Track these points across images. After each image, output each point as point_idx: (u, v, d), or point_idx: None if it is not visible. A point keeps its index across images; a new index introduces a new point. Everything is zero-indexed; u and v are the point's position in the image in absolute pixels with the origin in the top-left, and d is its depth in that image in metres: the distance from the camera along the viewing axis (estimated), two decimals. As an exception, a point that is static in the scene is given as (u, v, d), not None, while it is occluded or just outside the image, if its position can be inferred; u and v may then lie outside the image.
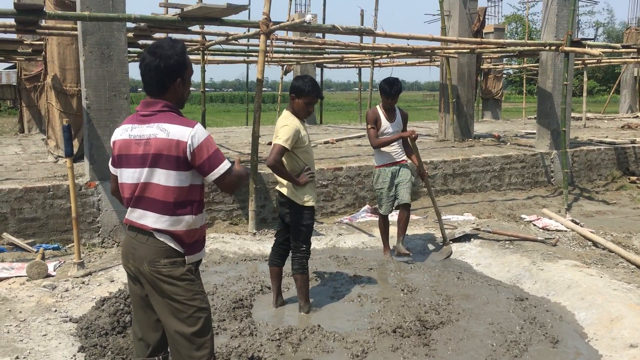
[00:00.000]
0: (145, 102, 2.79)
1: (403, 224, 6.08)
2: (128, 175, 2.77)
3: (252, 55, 13.63)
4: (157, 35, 8.99)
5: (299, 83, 4.54)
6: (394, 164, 6.04)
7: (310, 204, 4.58)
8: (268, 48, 7.07)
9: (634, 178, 10.54)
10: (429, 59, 14.34)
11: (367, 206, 8.14)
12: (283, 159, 4.49)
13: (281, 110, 4.81)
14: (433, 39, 9.14)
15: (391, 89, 5.88)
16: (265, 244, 6.48)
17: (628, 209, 8.70)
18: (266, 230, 7.14)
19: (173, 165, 2.68)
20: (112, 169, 2.90)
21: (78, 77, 7.74)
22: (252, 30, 8.07)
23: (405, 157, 6.15)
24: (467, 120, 11.89)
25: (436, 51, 11.10)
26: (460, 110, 11.73)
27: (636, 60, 16.11)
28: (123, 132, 2.79)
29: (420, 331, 4.32)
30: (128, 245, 2.84)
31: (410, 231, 7.08)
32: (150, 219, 2.74)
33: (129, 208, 2.80)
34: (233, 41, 9.80)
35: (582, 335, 4.35)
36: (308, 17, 7.00)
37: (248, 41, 11.71)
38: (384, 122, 6.00)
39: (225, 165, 2.75)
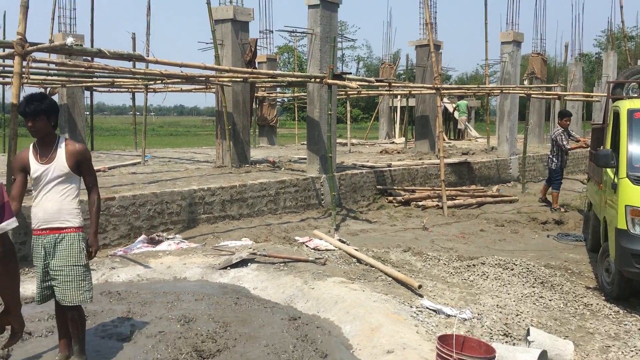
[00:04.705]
0: None
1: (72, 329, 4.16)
2: None
3: (7, 77, 12.34)
4: None
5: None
6: (41, 232, 4.06)
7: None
8: (24, 70, 6.49)
9: (390, 198, 11.79)
10: (205, 86, 14.42)
11: (143, 236, 7.85)
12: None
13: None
14: (205, 68, 9.22)
15: (26, 106, 3.97)
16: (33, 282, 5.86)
17: (386, 226, 9.69)
18: (26, 269, 6.46)
19: None
20: None
21: None
22: (7, 51, 7.34)
23: (60, 225, 4.03)
24: (243, 147, 12.20)
25: (210, 79, 11.23)
26: (237, 136, 12.00)
27: (389, 92, 18.12)
28: None
29: (197, 362, 4.28)
30: None
31: (187, 259, 7.01)
32: None
33: None
34: (-16, 61, 8.80)
35: (348, 346, 4.71)
36: (69, 40, 6.57)
37: (4, 61, 10.64)
38: (33, 164, 4.11)
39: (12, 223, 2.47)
